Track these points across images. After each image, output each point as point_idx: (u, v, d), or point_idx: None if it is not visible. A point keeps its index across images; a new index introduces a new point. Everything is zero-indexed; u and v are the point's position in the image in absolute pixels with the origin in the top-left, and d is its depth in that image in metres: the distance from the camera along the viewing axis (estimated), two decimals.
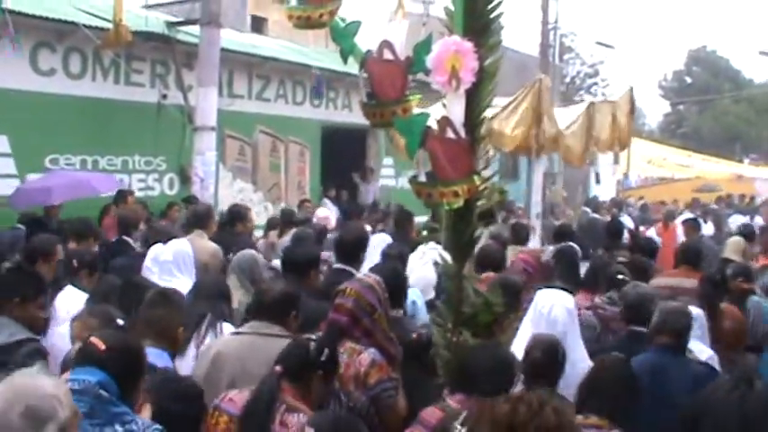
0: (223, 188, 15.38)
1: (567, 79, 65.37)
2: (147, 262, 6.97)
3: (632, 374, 4.42)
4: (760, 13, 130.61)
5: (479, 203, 4.73)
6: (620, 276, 7.25)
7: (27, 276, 5.39)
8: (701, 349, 5.74)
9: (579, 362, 4.98)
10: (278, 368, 3.85)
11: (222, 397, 4.01)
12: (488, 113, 12.66)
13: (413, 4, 24.23)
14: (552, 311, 5.26)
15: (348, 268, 6.52)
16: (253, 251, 7.66)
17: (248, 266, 6.92)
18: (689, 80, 74.15)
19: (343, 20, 4.92)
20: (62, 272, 6.67)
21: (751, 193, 29.68)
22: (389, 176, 20.03)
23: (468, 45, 4.46)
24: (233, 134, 16.03)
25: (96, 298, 5.70)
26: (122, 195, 12.43)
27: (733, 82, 71.22)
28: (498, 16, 4.76)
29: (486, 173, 4.89)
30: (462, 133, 4.46)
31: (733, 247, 10.78)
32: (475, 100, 4.60)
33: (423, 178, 4.57)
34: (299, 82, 17.74)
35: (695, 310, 5.80)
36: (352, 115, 16.98)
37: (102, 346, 3.53)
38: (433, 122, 4.57)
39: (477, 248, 5.96)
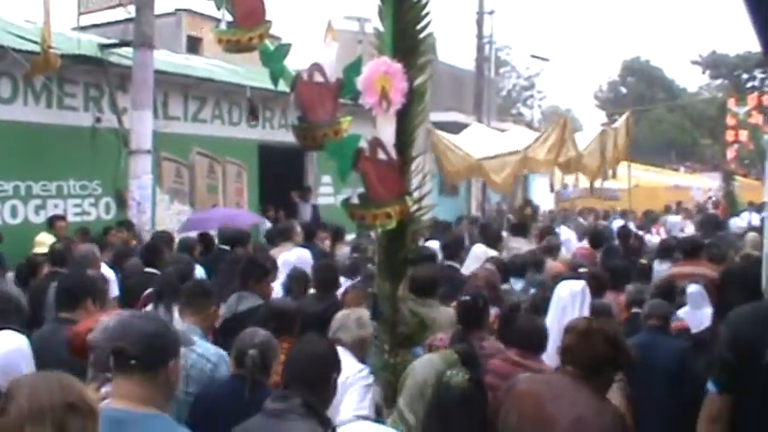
0: (160, 211, 15.23)
1: (504, 92, 66.10)
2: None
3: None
4: (691, 22, 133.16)
5: (412, 224, 4.72)
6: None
7: (261, 264, 7.55)
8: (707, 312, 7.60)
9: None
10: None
11: (433, 339, 5.76)
12: (522, 145, 15.95)
13: (348, 22, 24.35)
14: (561, 292, 6.67)
15: (453, 264, 9.96)
16: None
17: None
18: (624, 90, 75.35)
19: (275, 40, 4.90)
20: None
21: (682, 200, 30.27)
22: (328, 194, 19.96)
23: (398, 66, 4.46)
24: (169, 156, 15.86)
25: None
26: (51, 221, 12.34)
27: (667, 91, 72.54)
28: (427, 37, 4.77)
29: (424, 189, 4.93)
30: (393, 154, 4.46)
31: (751, 243, 12.50)
32: (406, 120, 4.60)
33: (356, 200, 4.56)
34: (235, 102, 17.65)
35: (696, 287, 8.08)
36: (289, 134, 16.51)
37: None
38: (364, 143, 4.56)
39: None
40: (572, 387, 4.07)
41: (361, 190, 4.53)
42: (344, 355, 4.79)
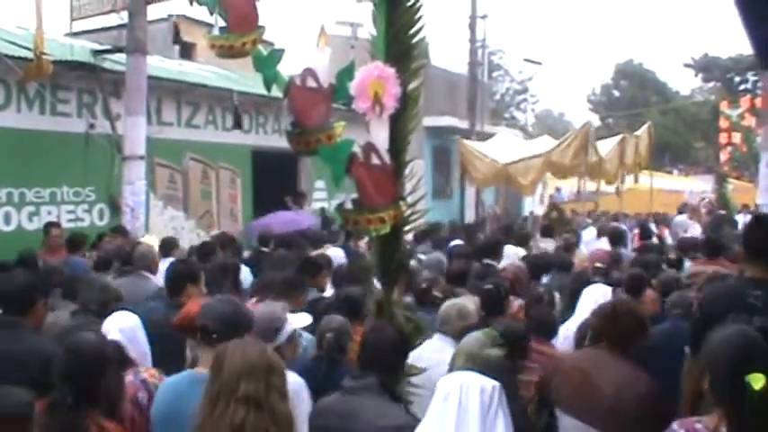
0: (154, 217, 15.18)
1: (497, 96, 66.10)
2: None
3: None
4: (683, 25, 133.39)
5: (407, 228, 4.72)
6: None
7: (315, 262, 8.89)
8: None
9: None
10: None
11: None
12: (546, 149, 17.39)
13: (340, 28, 24.35)
14: (594, 293, 7.35)
15: (490, 261, 10.50)
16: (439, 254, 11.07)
17: (436, 263, 9.94)
18: (617, 93, 75.38)
19: (268, 46, 4.89)
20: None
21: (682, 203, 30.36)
22: (322, 199, 19.96)
23: (391, 71, 4.46)
24: (162, 162, 15.83)
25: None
26: (46, 228, 12.30)
27: (660, 94, 72.54)
28: (420, 41, 4.77)
29: (417, 193, 4.93)
30: (387, 159, 4.45)
31: None
32: (399, 125, 4.60)
33: (349, 205, 4.56)
34: (228, 108, 17.60)
35: None
36: (283, 140, 16.39)
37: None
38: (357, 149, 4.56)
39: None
40: (610, 359, 4.85)
41: (354, 195, 4.52)
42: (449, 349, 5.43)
